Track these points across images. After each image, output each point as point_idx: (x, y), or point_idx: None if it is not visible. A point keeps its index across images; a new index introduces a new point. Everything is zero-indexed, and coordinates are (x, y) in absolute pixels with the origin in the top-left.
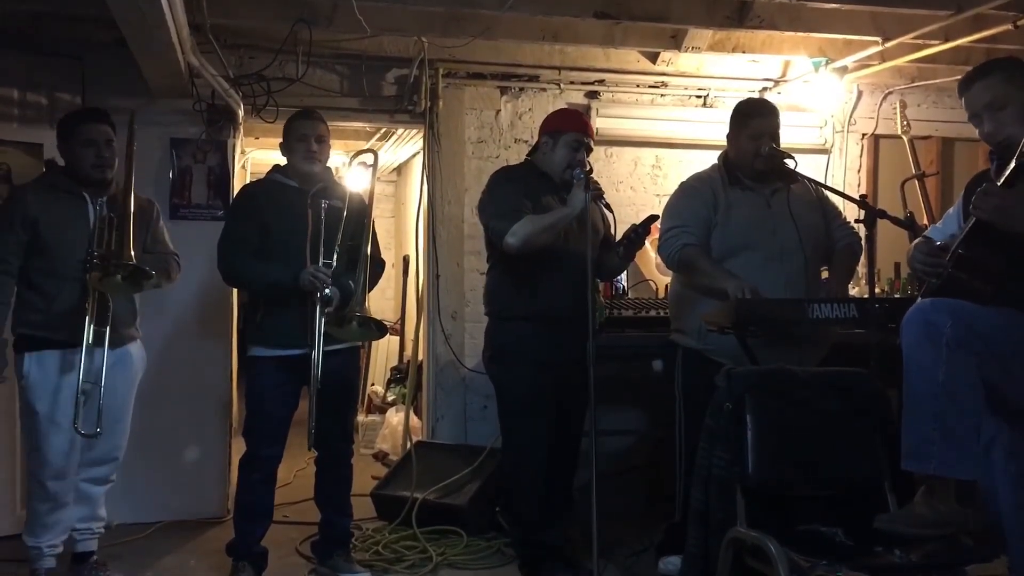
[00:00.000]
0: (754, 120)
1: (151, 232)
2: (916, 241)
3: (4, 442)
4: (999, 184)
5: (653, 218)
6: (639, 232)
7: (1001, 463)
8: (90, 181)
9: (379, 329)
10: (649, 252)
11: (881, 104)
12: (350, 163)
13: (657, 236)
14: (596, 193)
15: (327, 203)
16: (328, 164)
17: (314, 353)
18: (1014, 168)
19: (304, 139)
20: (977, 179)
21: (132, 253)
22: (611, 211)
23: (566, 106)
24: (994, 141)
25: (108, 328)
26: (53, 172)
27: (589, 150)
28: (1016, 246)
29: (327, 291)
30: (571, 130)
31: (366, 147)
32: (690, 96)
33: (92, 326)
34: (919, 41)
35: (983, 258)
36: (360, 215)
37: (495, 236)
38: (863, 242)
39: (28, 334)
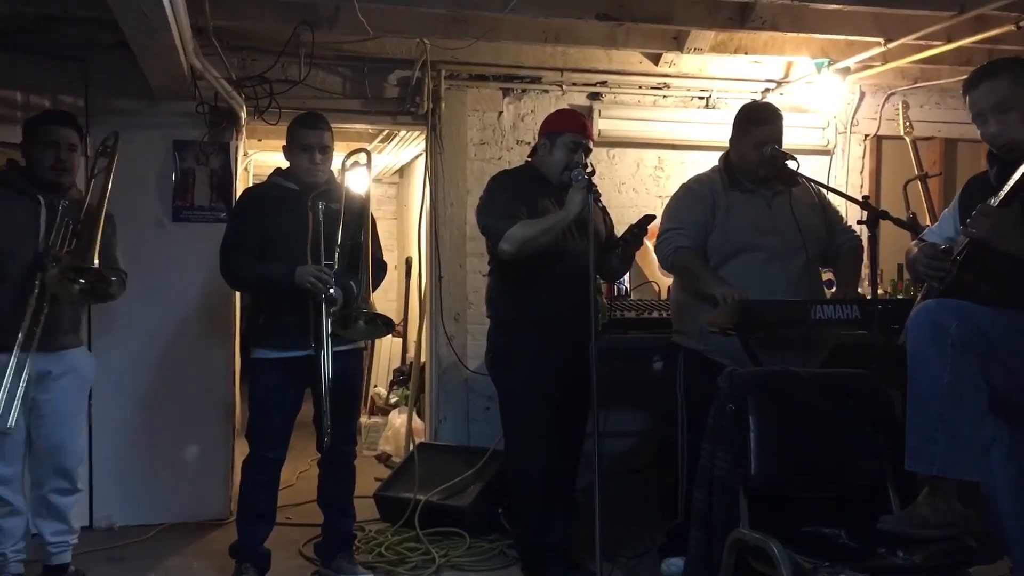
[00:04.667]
0: (758, 128)
1: (107, 245)
2: (916, 244)
3: None
4: (996, 203)
5: (649, 218)
6: (635, 233)
7: (1002, 464)
8: (44, 182)
9: (385, 325)
10: (652, 254)
11: (884, 105)
12: (344, 165)
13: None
14: (594, 195)
15: (326, 205)
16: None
17: (322, 355)
18: (1012, 187)
19: (308, 149)
20: (975, 180)
21: (97, 261)
22: (607, 214)
23: (567, 107)
24: (997, 143)
25: (40, 331)
26: (11, 170)
27: (588, 151)
28: (1010, 264)
29: (331, 291)
30: (568, 131)
31: (357, 147)
32: (692, 97)
33: (38, 329)
34: (922, 42)
35: (988, 262)
36: (360, 215)
37: (490, 241)
38: (866, 243)
39: None
